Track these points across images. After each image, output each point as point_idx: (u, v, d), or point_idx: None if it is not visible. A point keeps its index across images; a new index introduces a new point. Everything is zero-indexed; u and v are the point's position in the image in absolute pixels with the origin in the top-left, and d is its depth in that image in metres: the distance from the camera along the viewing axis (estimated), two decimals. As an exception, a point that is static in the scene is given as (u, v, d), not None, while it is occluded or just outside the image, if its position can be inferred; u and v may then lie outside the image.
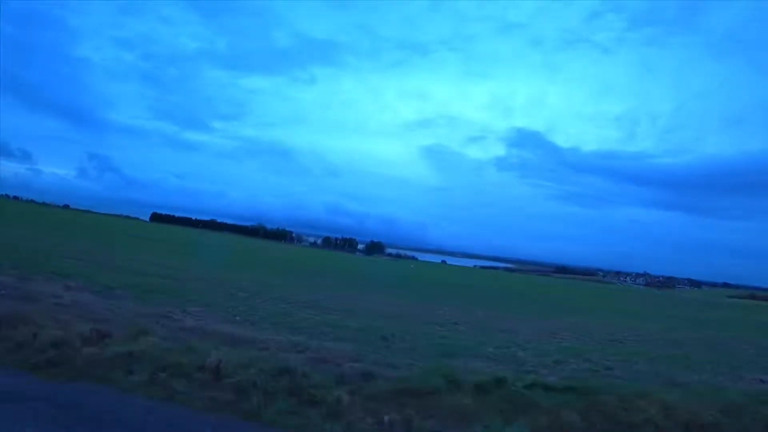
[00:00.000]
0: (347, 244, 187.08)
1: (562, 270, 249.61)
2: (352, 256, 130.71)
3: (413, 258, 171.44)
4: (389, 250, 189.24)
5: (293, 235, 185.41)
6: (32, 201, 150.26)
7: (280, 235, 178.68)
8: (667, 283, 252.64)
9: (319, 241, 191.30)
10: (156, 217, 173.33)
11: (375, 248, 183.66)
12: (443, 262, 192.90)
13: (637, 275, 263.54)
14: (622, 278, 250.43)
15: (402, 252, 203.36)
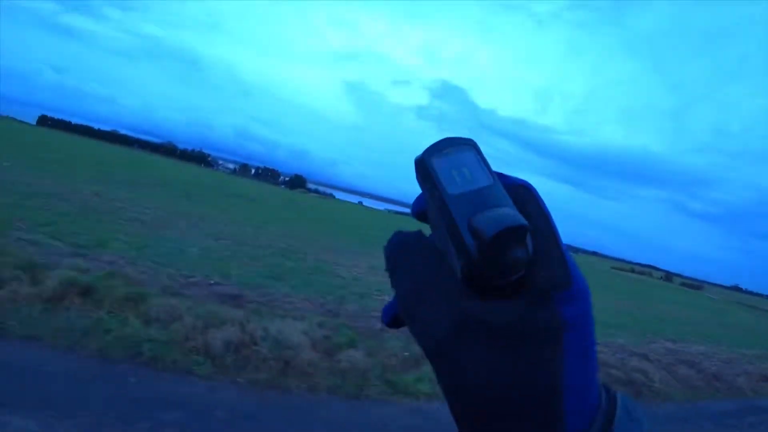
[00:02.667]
0: (269, 174, 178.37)
1: None
2: (277, 188, 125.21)
3: (331, 196, 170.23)
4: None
5: (209, 158, 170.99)
6: None
7: (196, 157, 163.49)
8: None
9: (236, 168, 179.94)
10: (44, 121, 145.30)
11: (298, 182, 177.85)
12: (360, 203, 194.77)
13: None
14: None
15: (320, 188, 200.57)
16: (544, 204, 0.30)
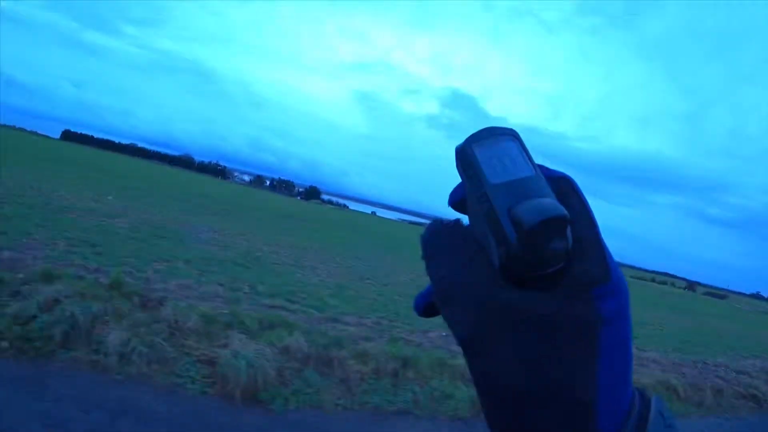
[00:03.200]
0: (284, 186, 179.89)
1: None
2: (296, 200, 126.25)
3: (344, 206, 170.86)
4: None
5: (226, 170, 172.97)
6: None
7: (212, 169, 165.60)
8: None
9: (249, 179, 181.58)
10: (68, 136, 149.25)
11: (312, 193, 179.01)
12: (373, 213, 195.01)
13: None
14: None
15: (333, 199, 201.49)
16: (584, 197, 0.30)
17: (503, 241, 0.27)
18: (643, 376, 7.10)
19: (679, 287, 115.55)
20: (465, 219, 0.32)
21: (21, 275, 4.67)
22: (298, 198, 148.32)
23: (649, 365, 8.10)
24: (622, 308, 0.28)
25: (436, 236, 0.31)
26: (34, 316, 4.04)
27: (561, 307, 0.27)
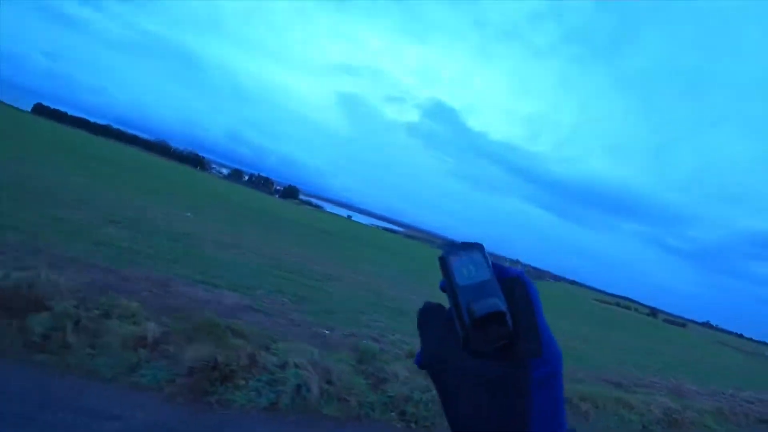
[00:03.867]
0: (263, 183, 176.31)
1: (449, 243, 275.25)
2: (274, 198, 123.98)
3: (320, 208, 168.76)
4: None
5: (204, 160, 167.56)
6: None
7: (190, 158, 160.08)
8: (539, 274, 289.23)
9: (227, 172, 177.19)
10: (40, 110, 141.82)
11: (291, 193, 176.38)
12: (349, 217, 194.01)
13: (511, 261, 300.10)
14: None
15: (310, 200, 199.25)
16: (530, 289, 0.41)
17: (463, 326, 0.41)
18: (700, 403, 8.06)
19: (642, 313, 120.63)
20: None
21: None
22: (277, 196, 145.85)
23: (696, 397, 8.95)
24: (553, 372, 0.40)
25: (426, 313, 0.43)
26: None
27: (505, 373, 0.40)
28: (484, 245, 0.42)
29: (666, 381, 10.06)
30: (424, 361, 0.42)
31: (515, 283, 0.41)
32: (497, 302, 0.41)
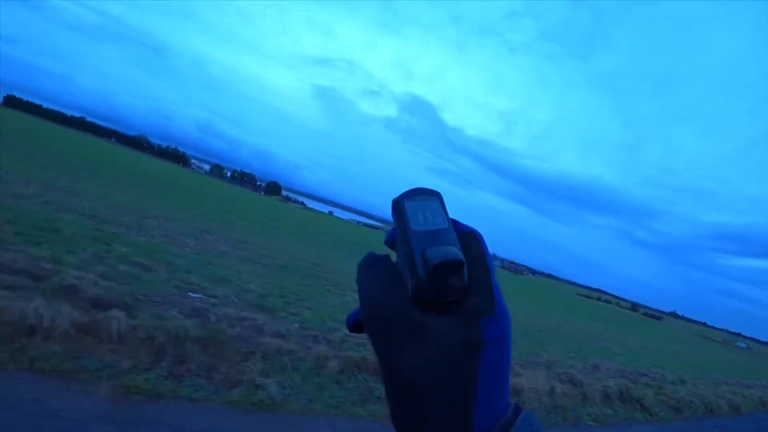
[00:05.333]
0: (246, 179, 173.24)
1: None
2: (260, 195, 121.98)
3: (302, 204, 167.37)
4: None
5: (186, 156, 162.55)
6: None
7: (171, 154, 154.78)
8: (517, 269, 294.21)
9: (207, 167, 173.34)
10: (12, 102, 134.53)
11: (273, 189, 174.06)
12: (330, 213, 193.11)
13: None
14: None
15: (291, 196, 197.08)
16: (484, 247, 0.39)
17: (415, 274, 0.38)
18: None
19: (624, 307, 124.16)
20: (394, 256, 0.42)
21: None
22: (262, 194, 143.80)
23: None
24: (502, 334, 0.38)
25: (369, 265, 0.41)
26: None
27: (453, 328, 0.37)
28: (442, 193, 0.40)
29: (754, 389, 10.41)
30: (362, 317, 0.39)
31: (469, 237, 0.39)
32: (455, 251, 0.38)
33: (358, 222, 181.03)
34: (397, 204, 0.39)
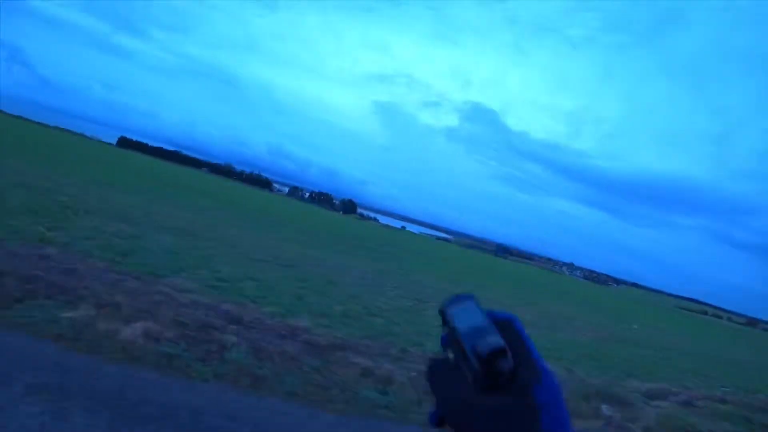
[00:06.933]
0: (323, 199, 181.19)
1: (503, 249, 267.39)
2: (337, 214, 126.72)
3: (375, 219, 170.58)
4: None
5: (269, 181, 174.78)
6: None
7: (255, 180, 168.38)
8: (601, 279, 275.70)
9: (287, 190, 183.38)
10: (124, 143, 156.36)
11: (350, 207, 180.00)
12: (403, 228, 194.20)
13: (570, 266, 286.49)
14: (557, 267, 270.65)
15: (364, 212, 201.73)
16: (520, 328, 0.45)
17: (471, 367, 0.44)
18: None
19: (738, 323, 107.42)
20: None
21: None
22: (340, 213, 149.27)
23: None
24: (553, 396, 0.44)
25: (433, 368, 0.46)
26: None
27: (513, 401, 0.44)
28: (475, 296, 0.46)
29: None
30: (440, 413, 0.45)
31: (506, 323, 0.45)
32: (498, 339, 0.44)
33: (428, 235, 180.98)
34: (442, 312, 0.46)
